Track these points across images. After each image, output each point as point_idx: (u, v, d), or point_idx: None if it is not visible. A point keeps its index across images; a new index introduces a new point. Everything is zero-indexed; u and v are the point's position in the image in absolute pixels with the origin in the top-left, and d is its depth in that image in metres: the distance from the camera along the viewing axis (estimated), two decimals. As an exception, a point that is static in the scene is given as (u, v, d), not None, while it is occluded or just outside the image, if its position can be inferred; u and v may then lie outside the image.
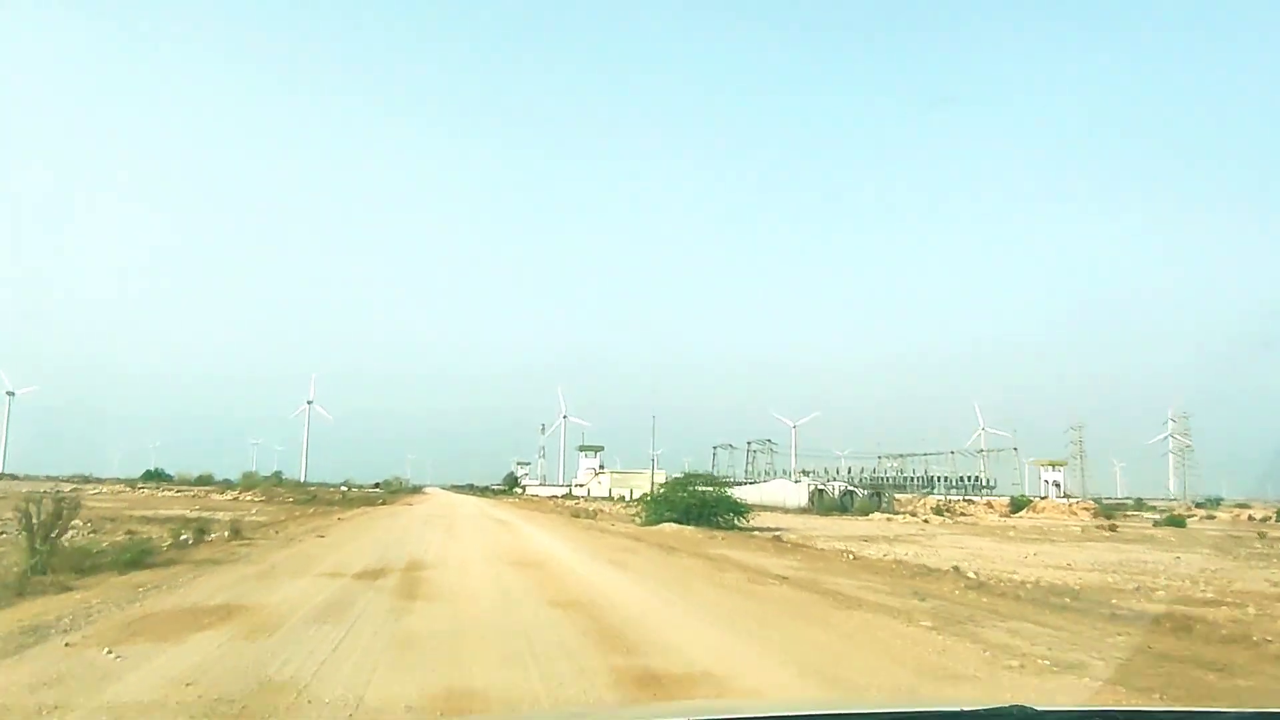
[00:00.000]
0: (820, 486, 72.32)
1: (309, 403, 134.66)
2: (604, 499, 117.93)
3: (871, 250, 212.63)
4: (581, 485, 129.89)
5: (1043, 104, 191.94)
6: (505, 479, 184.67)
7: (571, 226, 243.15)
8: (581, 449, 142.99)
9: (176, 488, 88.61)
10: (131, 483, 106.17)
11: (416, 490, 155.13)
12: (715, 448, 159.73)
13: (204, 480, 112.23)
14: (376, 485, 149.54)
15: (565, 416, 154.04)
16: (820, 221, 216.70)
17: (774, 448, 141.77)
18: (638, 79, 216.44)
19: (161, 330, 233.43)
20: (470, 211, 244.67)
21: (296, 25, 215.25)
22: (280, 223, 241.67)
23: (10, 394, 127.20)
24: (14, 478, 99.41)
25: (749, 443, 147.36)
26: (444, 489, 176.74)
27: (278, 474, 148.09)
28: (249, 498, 62.69)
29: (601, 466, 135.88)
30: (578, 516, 47.45)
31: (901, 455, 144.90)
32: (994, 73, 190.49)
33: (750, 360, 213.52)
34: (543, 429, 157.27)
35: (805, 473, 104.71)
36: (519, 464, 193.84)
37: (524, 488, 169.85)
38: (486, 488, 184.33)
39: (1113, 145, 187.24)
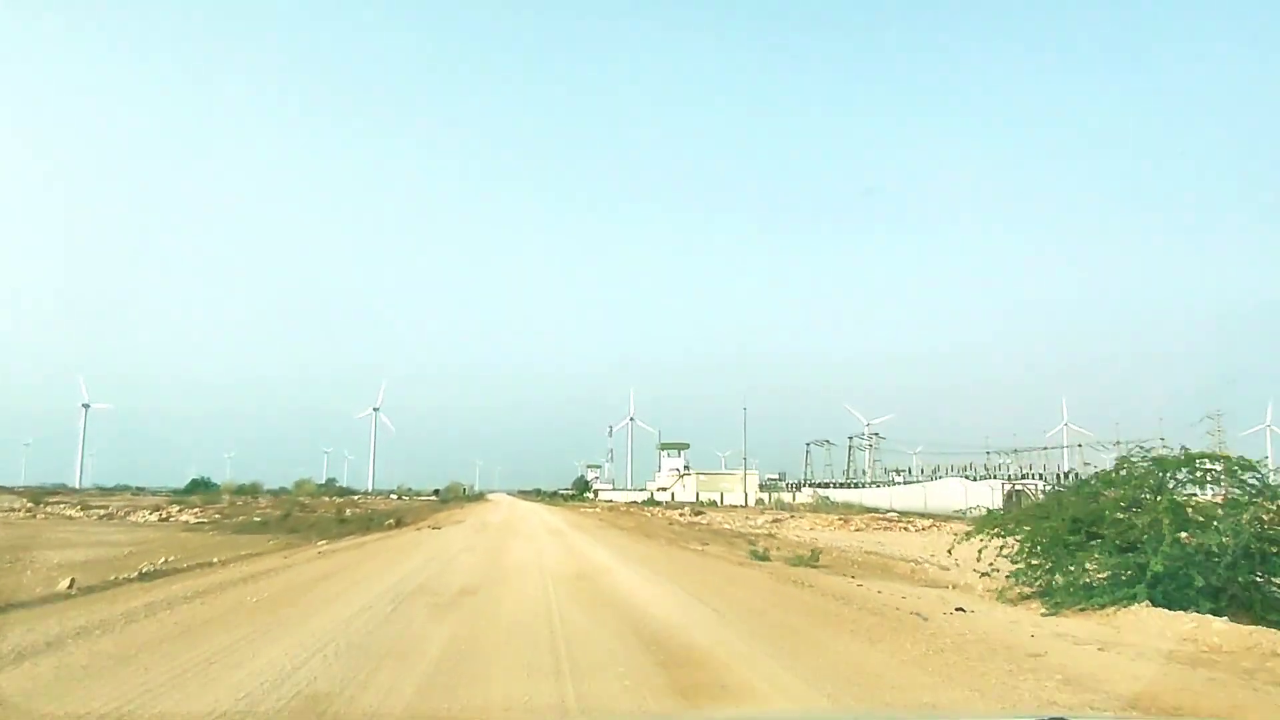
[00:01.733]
0: (1018, 487, 54.83)
1: (375, 409, 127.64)
2: (692, 504, 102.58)
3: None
4: (664, 489, 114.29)
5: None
6: (575, 483, 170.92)
7: (640, 219, 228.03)
8: (663, 447, 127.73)
9: (156, 500, 74.52)
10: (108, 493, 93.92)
11: (479, 498, 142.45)
12: (809, 444, 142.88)
13: (246, 490, 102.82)
14: (435, 492, 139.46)
15: (632, 419, 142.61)
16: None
17: (881, 442, 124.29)
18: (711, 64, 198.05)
19: (224, 339, 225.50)
20: (539, 205, 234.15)
21: (354, 32, 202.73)
22: (352, 227, 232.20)
23: (86, 406, 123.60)
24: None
25: (851, 438, 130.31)
26: (510, 494, 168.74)
27: (332, 480, 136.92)
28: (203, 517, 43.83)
29: (687, 467, 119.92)
30: (749, 552, 31.31)
31: (1016, 451, 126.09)
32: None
33: (819, 357, 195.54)
34: (610, 431, 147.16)
35: (965, 473, 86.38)
36: (589, 466, 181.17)
37: (596, 492, 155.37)
38: (555, 492, 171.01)
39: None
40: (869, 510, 60.86)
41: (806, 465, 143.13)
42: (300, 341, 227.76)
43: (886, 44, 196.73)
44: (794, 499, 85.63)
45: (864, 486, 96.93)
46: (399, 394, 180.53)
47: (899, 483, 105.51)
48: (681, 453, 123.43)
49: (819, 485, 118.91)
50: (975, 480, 79.12)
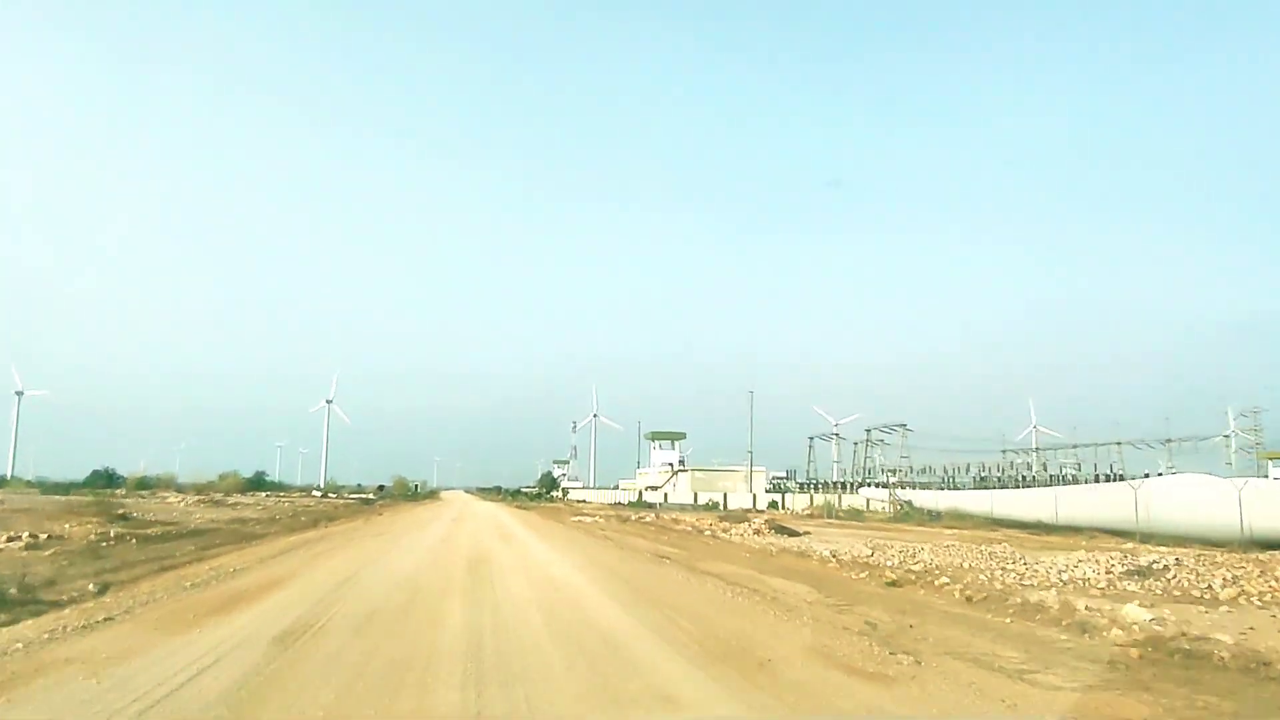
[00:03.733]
0: None
1: (328, 402, 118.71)
2: (690, 508, 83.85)
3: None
4: (654, 488, 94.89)
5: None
6: (541, 480, 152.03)
7: (602, 216, 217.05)
8: (653, 437, 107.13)
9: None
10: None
11: (431, 496, 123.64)
12: (812, 438, 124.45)
13: (149, 484, 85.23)
14: (380, 489, 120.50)
15: (596, 415, 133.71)
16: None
17: (908, 432, 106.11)
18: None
19: (185, 331, 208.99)
20: (507, 200, 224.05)
21: (316, 35, 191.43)
22: (305, 221, 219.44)
23: (19, 394, 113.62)
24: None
25: (868, 430, 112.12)
26: (469, 493, 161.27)
27: (261, 474, 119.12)
28: None
29: (682, 462, 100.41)
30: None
31: (1028, 450, 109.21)
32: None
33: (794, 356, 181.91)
34: (574, 427, 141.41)
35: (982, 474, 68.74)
36: (556, 463, 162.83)
37: (565, 490, 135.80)
38: (518, 491, 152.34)
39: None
40: (1000, 523, 42.18)
41: (810, 462, 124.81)
42: (258, 336, 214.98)
43: (864, 46, 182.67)
44: (838, 501, 67.38)
45: (911, 486, 78.69)
46: (359, 390, 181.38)
47: (937, 484, 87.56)
48: (676, 444, 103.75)
49: (836, 484, 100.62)
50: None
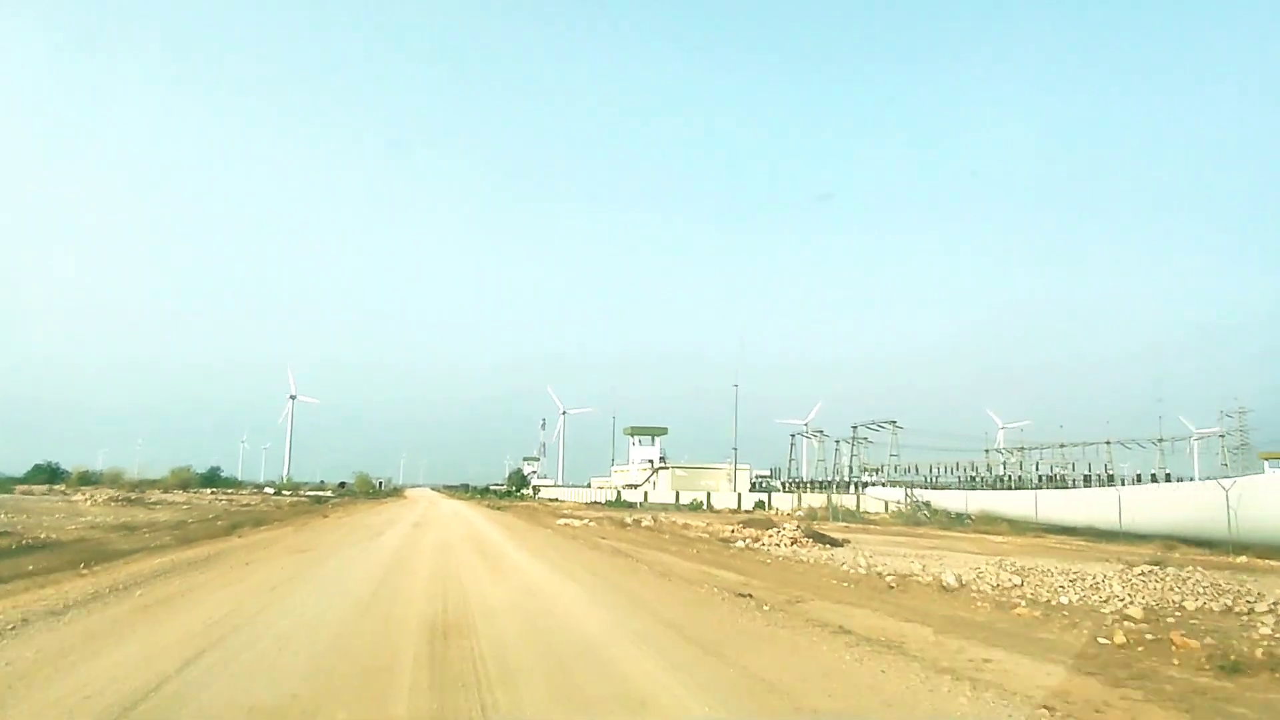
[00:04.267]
0: None
1: (292, 398, 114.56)
2: (673, 507, 77.62)
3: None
4: (634, 486, 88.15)
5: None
6: (511, 478, 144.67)
7: (578, 214, 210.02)
8: (632, 432, 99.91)
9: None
10: None
11: (395, 494, 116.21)
12: (794, 435, 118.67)
13: (90, 479, 77.77)
14: (341, 485, 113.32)
15: (565, 412, 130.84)
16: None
17: (899, 429, 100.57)
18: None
19: (152, 325, 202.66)
20: (472, 199, 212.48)
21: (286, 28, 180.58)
22: (269, 215, 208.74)
23: None
24: None
25: (855, 426, 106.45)
26: (435, 490, 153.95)
27: (215, 470, 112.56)
28: None
29: (662, 459, 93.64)
30: None
31: (1013, 450, 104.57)
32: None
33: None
34: (543, 424, 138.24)
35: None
36: (526, 460, 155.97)
37: (535, 489, 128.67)
38: (487, 488, 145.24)
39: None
40: (1049, 529, 36.31)
41: (791, 460, 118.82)
42: (224, 331, 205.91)
43: (848, 53, 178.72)
44: (831, 501, 61.35)
45: (907, 486, 72.93)
46: (325, 387, 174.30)
47: (921, 483, 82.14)
48: (656, 440, 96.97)
49: (828, 483, 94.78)
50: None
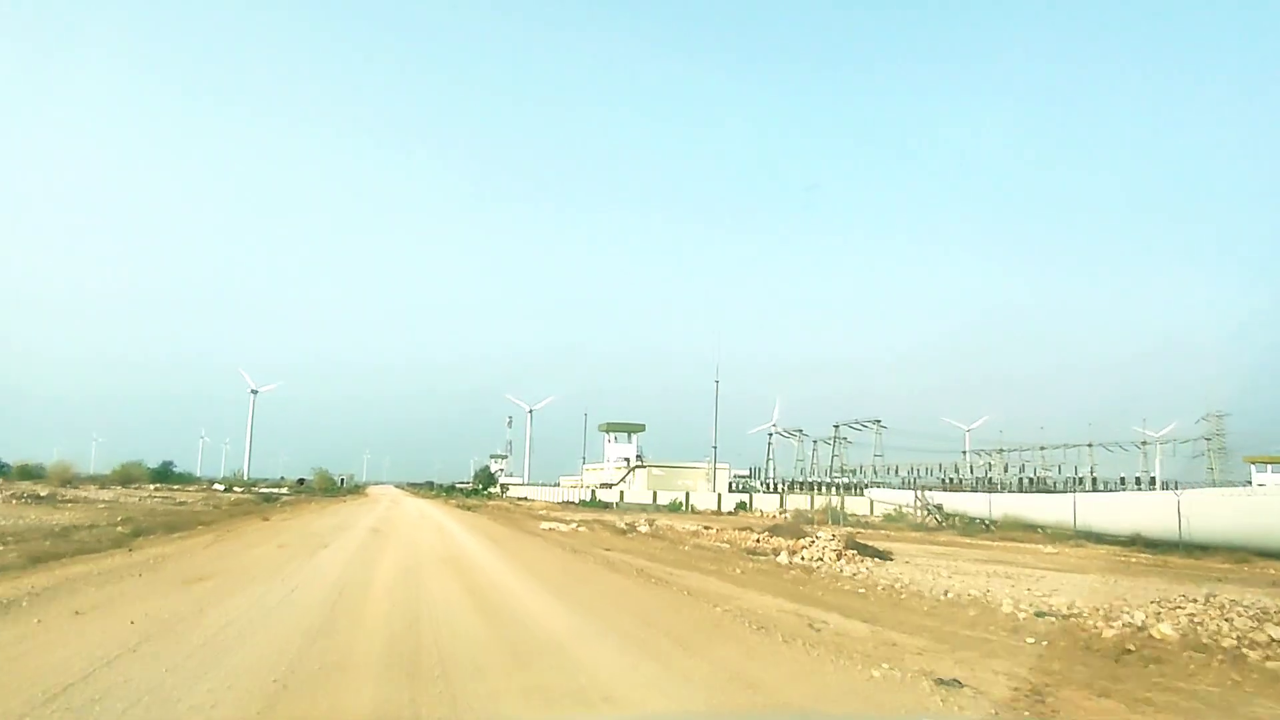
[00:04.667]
0: None
1: (253, 392, 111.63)
2: (651, 508, 72.71)
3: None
4: (609, 485, 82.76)
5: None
6: (478, 476, 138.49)
7: (551, 212, 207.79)
8: (609, 428, 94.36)
9: None
10: None
11: (356, 491, 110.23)
12: (771, 434, 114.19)
13: (30, 473, 72.60)
14: (301, 481, 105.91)
15: (531, 410, 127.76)
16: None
17: (882, 429, 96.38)
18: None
19: (116, 319, 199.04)
20: (444, 197, 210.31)
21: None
22: (251, 215, 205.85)
23: None
24: None
25: (837, 425, 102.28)
26: (399, 488, 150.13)
27: (168, 465, 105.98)
28: None
29: (639, 457, 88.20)
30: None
31: (991, 451, 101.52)
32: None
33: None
34: (509, 421, 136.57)
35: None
36: (493, 457, 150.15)
37: (504, 487, 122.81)
38: (453, 486, 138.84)
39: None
40: (1090, 536, 31.86)
41: (768, 460, 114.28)
42: (189, 327, 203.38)
43: (837, 55, 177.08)
44: (832, 504, 56.67)
45: (888, 486, 68.70)
46: (291, 383, 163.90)
47: (898, 484, 78.17)
48: (634, 437, 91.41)
49: (812, 484, 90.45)
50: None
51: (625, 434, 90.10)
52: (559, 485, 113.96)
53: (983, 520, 40.07)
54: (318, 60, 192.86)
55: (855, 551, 21.71)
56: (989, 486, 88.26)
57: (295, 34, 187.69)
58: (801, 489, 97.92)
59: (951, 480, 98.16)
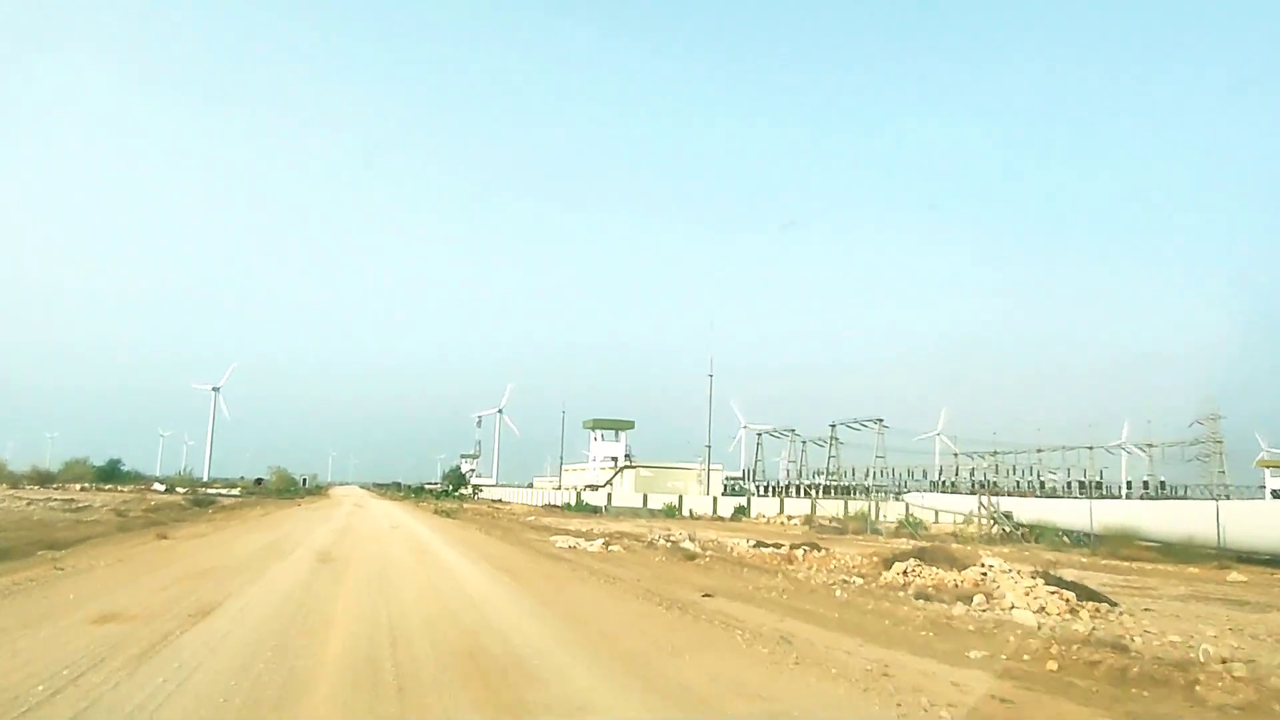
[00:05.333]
0: None
1: (215, 389, 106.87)
2: (644, 512, 64.79)
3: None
4: (596, 487, 74.16)
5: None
6: (449, 475, 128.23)
7: (527, 213, 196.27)
8: (594, 425, 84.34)
9: None
10: None
11: (317, 491, 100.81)
12: (760, 433, 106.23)
13: None
14: (258, 482, 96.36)
15: (500, 411, 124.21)
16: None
17: (884, 428, 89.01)
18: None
19: (81, 315, 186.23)
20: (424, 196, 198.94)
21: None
22: (201, 203, 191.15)
23: None
24: None
25: (834, 425, 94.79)
26: (365, 489, 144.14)
27: (115, 463, 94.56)
28: None
29: (628, 456, 79.51)
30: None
31: (985, 454, 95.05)
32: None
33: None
34: (478, 421, 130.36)
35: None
36: (464, 457, 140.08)
37: (475, 488, 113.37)
38: (421, 488, 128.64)
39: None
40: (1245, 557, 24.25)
41: (758, 460, 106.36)
42: (148, 322, 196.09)
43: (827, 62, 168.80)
44: (815, 505, 48.64)
45: (885, 492, 60.91)
46: (254, 381, 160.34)
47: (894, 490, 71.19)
48: (621, 435, 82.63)
49: (809, 486, 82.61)
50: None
51: (613, 431, 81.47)
52: (531, 487, 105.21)
53: (1077, 533, 32.30)
54: (301, 58, 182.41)
55: (1073, 595, 13.66)
56: (993, 489, 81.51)
57: (269, 30, 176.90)
58: (799, 493, 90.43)
59: (952, 483, 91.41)
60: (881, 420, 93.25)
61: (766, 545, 25.42)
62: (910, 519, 41.94)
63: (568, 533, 29.23)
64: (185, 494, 63.62)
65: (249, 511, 34.77)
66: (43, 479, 53.42)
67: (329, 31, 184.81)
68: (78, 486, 60.56)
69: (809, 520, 64.93)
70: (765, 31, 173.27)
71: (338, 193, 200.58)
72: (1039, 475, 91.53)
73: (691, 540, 25.61)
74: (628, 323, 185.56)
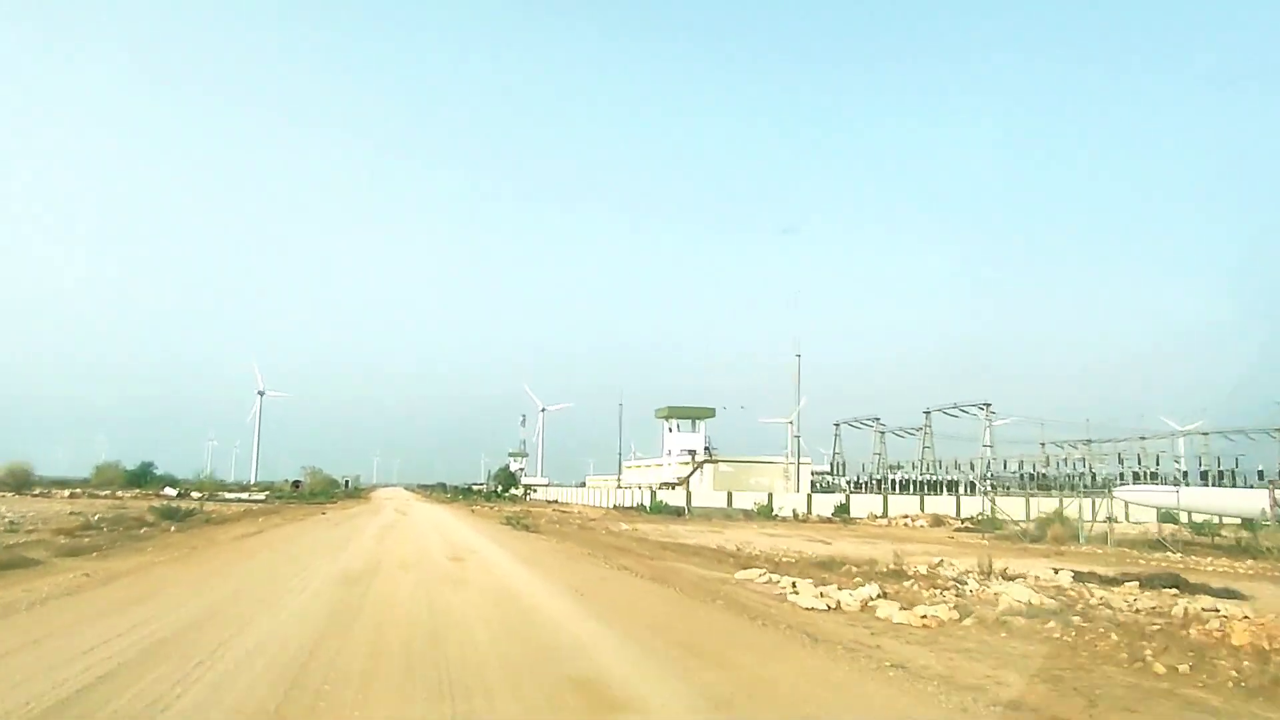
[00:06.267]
0: None
1: (260, 393, 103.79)
2: (739, 515, 53.00)
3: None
4: (670, 485, 62.04)
5: None
6: (497, 475, 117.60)
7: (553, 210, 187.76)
8: (669, 414, 70.22)
9: None
10: None
11: (357, 495, 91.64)
12: (837, 424, 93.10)
13: None
14: (296, 484, 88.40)
15: (544, 409, 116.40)
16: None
17: (992, 415, 75.59)
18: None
19: (129, 323, 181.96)
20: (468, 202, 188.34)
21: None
22: (247, 212, 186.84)
23: None
24: None
25: (928, 412, 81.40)
26: (409, 491, 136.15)
27: (147, 466, 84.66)
28: None
29: (708, 450, 66.70)
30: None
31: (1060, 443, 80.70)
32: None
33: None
34: (523, 420, 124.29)
35: None
36: (512, 455, 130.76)
37: (527, 489, 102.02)
38: (468, 488, 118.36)
39: None
40: None
41: (835, 450, 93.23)
42: (202, 329, 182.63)
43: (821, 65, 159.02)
44: (994, 504, 35.70)
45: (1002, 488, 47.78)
46: (299, 385, 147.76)
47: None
48: (700, 425, 69.52)
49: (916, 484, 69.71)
50: None
51: (689, 420, 68.71)
52: (584, 486, 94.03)
53: None
54: (329, 67, 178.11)
55: None
56: (1043, 483, 69.10)
57: (319, 43, 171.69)
58: (896, 488, 77.37)
59: (1033, 476, 77.92)
60: (989, 405, 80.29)
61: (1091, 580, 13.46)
62: (1077, 522, 28.95)
63: (744, 559, 17.19)
64: (204, 498, 52.87)
65: (234, 528, 23.13)
66: (20, 484, 42.67)
67: (385, 49, 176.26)
68: (105, 493, 50.32)
69: (940, 522, 52.35)
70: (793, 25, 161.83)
71: (384, 196, 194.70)
72: (1088, 466, 78.60)
73: (962, 577, 13.32)
74: (671, 318, 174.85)
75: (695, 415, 67.63)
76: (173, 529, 20.09)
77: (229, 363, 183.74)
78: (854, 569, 15.77)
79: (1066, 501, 37.40)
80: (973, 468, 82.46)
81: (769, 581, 13.66)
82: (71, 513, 25.21)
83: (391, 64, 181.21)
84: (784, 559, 18.46)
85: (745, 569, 15.17)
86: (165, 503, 26.13)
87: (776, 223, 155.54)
